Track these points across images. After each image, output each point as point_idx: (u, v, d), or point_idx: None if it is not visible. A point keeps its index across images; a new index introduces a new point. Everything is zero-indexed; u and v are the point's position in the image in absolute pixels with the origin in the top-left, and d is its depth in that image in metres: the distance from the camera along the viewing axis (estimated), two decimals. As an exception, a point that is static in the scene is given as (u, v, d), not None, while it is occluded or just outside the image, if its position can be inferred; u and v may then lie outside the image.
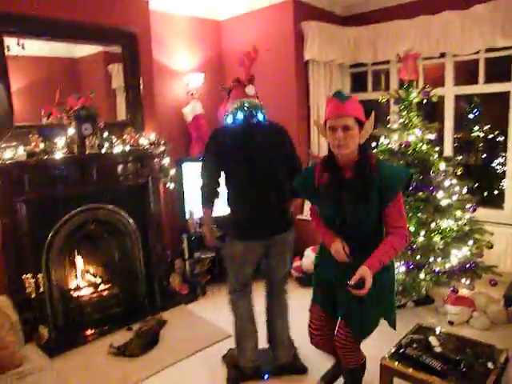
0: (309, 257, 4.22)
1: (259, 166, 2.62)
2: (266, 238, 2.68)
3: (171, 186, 4.11)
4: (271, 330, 2.93)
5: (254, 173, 2.62)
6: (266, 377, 2.86)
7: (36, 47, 3.51)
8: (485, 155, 5.29)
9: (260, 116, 2.69)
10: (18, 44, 3.31)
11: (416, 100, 3.62)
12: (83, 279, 3.84)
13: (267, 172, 2.64)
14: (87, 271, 3.91)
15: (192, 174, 4.25)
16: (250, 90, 2.70)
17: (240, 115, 2.65)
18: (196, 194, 4.11)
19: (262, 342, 2.95)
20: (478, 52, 3.99)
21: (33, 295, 3.11)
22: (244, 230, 2.69)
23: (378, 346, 3.02)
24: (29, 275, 3.11)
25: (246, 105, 2.66)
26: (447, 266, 3.39)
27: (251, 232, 2.67)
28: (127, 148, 3.60)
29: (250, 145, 2.64)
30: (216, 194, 2.71)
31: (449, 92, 4.32)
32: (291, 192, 2.75)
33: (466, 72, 4.53)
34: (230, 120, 2.70)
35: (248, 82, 2.72)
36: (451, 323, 3.36)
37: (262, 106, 2.73)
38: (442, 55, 4.24)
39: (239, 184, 2.67)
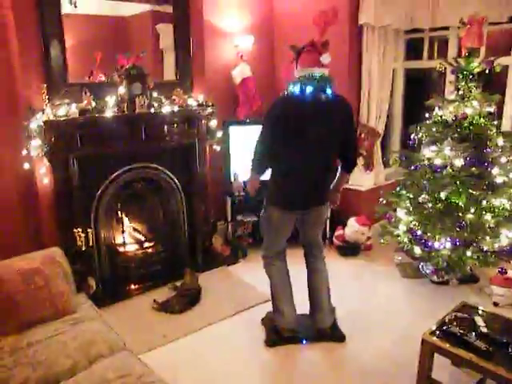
0: (352, 226, 4.19)
1: (314, 144, 2.57)
2: (303, 209, 2.75)
3: (217, 148, 4.13)
4: (311, 294, 2.98)
5: (306, 149, 2.59)
6: (304, 342, 2.91)
7: (87, 5, 3.51)
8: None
9: (328, 91, 2.54)
10: (71, 3, 3.34)
11: (477, 70, 3.42)
12: (129, 236, 3.97)
13: (320, 150, 2.61)
14: (133, 228, 4.03)
15: (238, 136, 4.25)
16: (326, 58, 2.51)
17: (309, 88, 2.48)
18: (242, 156, 4.19)
19: (305, 309, 3.00)
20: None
21: (83, 248, 3.24)
22: (284, 201, 2.74)
23: (421, 320, 3.02)
24: (79, 229, 3.24)
25: (317, 77, 2.50)
26: (496, 245, 3.27)
27: (290, 204, 2.73)
28: (175, 108, 3.61)
29: (311, 119, 2.54)
30: (269, 163, 2.69)
31: (514, 62, 4.04)
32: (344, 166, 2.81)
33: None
34: (296, 89, 2.52)
35: (323, 47, 2.53)
36: (496, 304, 3.27)
37: (332, 79, 2.58)
38: (511, 20, 3.94)
39: (289, 157, 2.64)
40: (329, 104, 2.56)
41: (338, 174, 2.86)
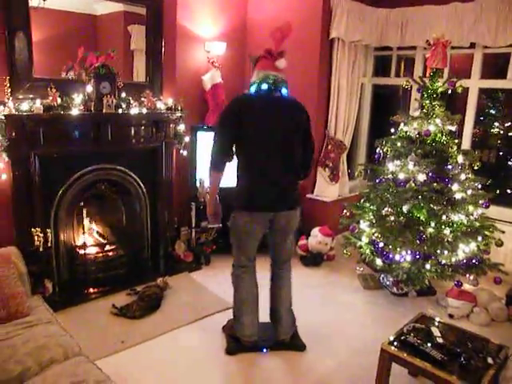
0: (316, 236, 4.22)
1: (275, 137, 2.62)
2: (271, 210, 2.67)
3: (184, 153, 4.08)
4: (274, 305, 2.95)
5: (268, 143, 2.62)
6: (264, 350, 2.89)
7: (57, 0, 3.43)
8: (501, 153, 5.22)
9: (284, 91, 2.68)
10: (39, -5, 3.24)
11: (441, 89, 3.55)
12: (90, 238, 3.86)
13: (282, 144, 2.64)
14: (94, 230, 3.93)
15: (206, 142, 4.22)
16: (281, 63, 2.67)
17: (264, 86, 2.62)
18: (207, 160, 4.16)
19: (265, 316, 2.98)
20: (510, 45, 3.87)
21: (40, 249, 3.12)
22: (250, 203, 2.66)
23: (380, 330, 3.07)
24: (38, 229, 3.12)
25: (272, 77, 2.63)
26: (453, 259, 3.37)
27: (258, 202, 2.65)
28: (144, 111, 3.56)
29: (270, 115, 2.64)
30: (228, 158, 2.67)
31: (474, 84, 4.23)
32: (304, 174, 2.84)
33: (493, 66, 4.43)
34: (253, 89, 2.67)
35: (279, 55, 2.68)
36: (451, 316, 3.37)
37: (286, 82, 2.70)
38: (472, 46, 4.13)
39: (253, 152, 2.64)
40: (284, 101, 2.70)
41: None
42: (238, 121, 2.58)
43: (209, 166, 2.70)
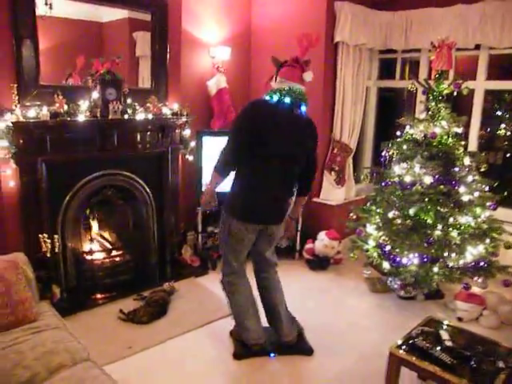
0: (322, 240, 4.21)
1: (282, 155, 2.60)
2: (264, 223, 2.73)
3: (190, 157, 4.10)
4: (268, 308, 2.96)
5: (275, 158, 2.59)
6: (272, 355, 2.88)
7: (63, 8, 3.46)
8: (508, 154, 5.19)
9: (303, 108, 2.62)
10: (46, 3, 3.27)
11: (446, 91, 3.54)
12: (97, 244, 3.87)
13: (287, 162, 2.64)
14: (101, 236, 3.94)
15: (211, 147, 4.23)
16: (308, 76, 2.57)
17: (287, 100, 2.52)
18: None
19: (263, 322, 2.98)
20: (516, 46, 3.86)
21: (48, 255, 3.14)
22: (246, 214, 2.67)
23: (388, 334, 3.05)
24: (45, 235, 3.14)
25: (296, 91, 2.54)
26: (461, 262, 3.35)
27: (253, 215, 2.67)
28: (150, 116, 3.58)
29: (284, 134, 2.57)
30: (233, 167, 2.65)
31: (479, 86, 4.21)
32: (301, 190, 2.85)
33: (499, 67, 4.41)
34: (275, 98, 2.53)
35: (305, 64, 2.59)
36: (460, 319, 3.34)
37: (307, 98, 2.62)
38: (477, 47, 4.12)
39: (257, 163, 2.61)
40: (301, 122, 2.64)
41: (294, 200, 2.91)
42: (253, 127, 2.51)
43: (214, 167, 2.65)
